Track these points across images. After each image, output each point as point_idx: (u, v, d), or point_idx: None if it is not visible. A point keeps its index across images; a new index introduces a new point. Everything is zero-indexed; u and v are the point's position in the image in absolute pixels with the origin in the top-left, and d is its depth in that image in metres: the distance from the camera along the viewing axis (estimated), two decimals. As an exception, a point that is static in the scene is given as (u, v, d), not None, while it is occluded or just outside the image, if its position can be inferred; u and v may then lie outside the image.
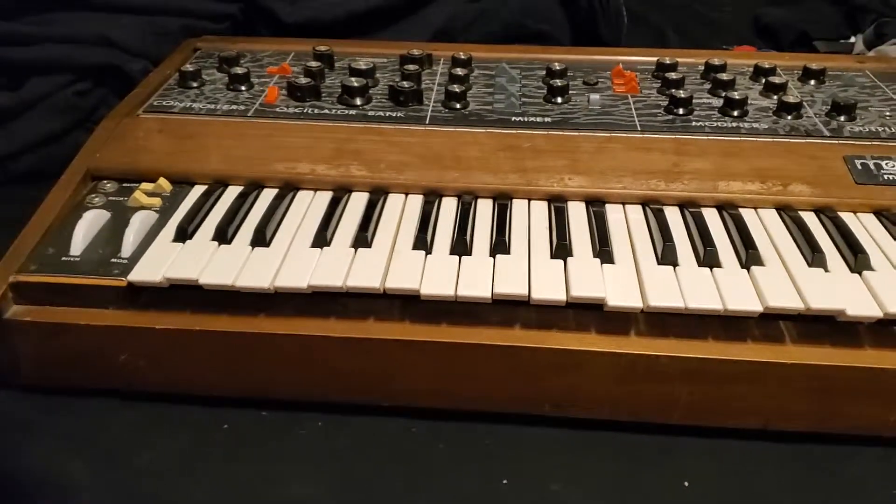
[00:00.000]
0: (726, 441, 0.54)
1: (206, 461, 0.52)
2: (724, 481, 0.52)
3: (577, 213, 0.61)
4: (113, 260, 0.55)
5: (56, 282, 0.54)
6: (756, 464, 0.53)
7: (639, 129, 0.69)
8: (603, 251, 0.56)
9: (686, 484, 0.51)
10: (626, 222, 0.60)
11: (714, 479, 0.52)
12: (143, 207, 0.61)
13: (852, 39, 1.17)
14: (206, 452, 0.53)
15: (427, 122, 0.70)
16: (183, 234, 0.57)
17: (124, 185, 0.63)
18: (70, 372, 0.55)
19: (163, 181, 0.63)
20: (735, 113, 0.71)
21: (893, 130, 0.68)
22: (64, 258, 0.55)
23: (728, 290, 0.52)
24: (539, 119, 0.70)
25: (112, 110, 0.71)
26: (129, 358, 0.54)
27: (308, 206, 0.61)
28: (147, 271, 0.54)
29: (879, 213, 0.61)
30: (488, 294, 0.52)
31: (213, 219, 0.59)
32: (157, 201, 0.62)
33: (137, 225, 0.57)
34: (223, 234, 0.57)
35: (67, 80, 0.81)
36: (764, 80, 0.76)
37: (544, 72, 0.79)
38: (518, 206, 0.62)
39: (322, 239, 0.57)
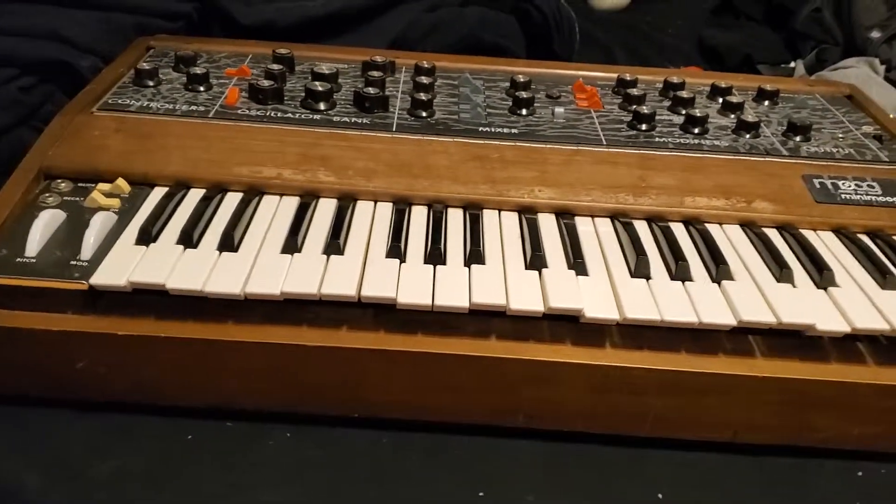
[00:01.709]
0: (696, 453, 0.54)
1: (168, 473, 0.50)
2: (695, 493, 0.52)
3: (548, 225, 0.61)
4: (72, 262, 0.52)
5: (11, 284, 0.51)
6: (725, 476, 0.53)
7: (604, 143, 0.69)
8: (577, 263, 0.56)
9: (660, 496, 0.51)
10: (596, 235, 0.60)
11: (685, 491, 0.52)
12: (101, 208, 0.58)
13: (793, 64, 1.22)
14: (168, 464, 0.51)
15: (394, 129, 0.69)
16: (146, 237, 0.55)
17: (80, 184, 0.60)
18: (25, 379, 0.52)
19: (121, 182, 0.61)
20: (696, 130, 0.72)
21: (846, 152, 0.71)
22: (19, 260, 0.52)
23: (701, 303, 0.53)
24: (506, 130, 0.70)
25: (63, 107, 0.68)
26: (89, 365, 0.51)
27: (275, 212, 0.59)
28: (110, 275, 0.51)
29: (838, 232, 0.63)
30: (466, 304, 0.51)
31: (176, 222, 0.57)
32: (115, 202, 0.59)
33: (97, 226, 0.55)
34: (189, 238, 0.55)
35: (12, 74, 0.77)
36: (721, 100, 0.78)
37: (507, 83, 0.79)
38: (489, 217, 0.62)
39: (293, 245, 0.55)
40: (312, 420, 0.54)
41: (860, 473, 0.54)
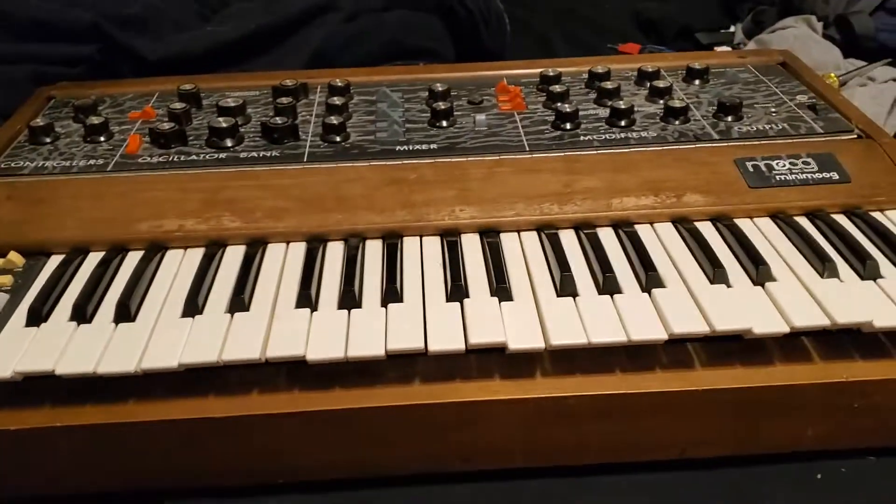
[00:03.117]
0: (643, 475, 0.51)
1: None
2: (647, 519, 0.49)
3: (471, 247, 0.57)
4: (-44, 355, 0.49)
5: None
6: (678, 495, 0.50)
7: (527, 148, 0.66)
8: (500, 288, 0.52)
9: (608, 530, 0.48)
10: (522, 251, 0.57)
11: (636, 518, 0.49)
12: (-10, 289, 0.54)
13: (731, 29, 1.19)
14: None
15: (305, 159, 0.65)
16: (36, 317, 0.51)
17: (-32, 263, 0.57)
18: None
19: (14, 255, 0.57)
20: (622, 123, 0.69)
21: (780, 128, 0.67)
22: None
23: (631, 318, 0.49)
24: (424, 146, 0.67)
25: (-49, 177, 0.64)
26: (-17, 466, 0.48)
27: (178, 269, 0.56)
28: (-5, 365, 0.48)
29: (775, 217, 0.60)
30: (382, 352, 0.48)
31: (71, 294, 0.53)
32: (7, 279, 0.55)
33: (-16, 310, 0.51)
34: (82, 313, 0.51)
35: None
36: (649, 85, 0.75)
37: (427, 93, 0.75)
38: (409, 245, 0.58)
39: (193, 306, 0.52)
40: (235, 492, 0.50)
41: (819, 476, 0.51)
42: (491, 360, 0.50)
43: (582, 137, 0.67)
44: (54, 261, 0.57)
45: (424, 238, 0.59)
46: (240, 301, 0.52)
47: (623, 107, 0.68)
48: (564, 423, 0.49)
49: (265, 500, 0.50)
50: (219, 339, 0.48)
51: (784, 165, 0.62)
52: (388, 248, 0.57)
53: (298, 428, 0.48)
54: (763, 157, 0.63)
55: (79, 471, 0.49)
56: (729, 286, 0.52)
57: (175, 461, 0.49)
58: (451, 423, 0.49)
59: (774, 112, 0.70)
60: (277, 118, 0.69)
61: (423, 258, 0.57)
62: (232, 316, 0.51)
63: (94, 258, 0.57)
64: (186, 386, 0.49)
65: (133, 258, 0.57)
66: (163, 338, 0.49)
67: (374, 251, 0.58)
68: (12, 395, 0.48)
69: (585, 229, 0.58)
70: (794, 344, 0.51)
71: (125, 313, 0.51)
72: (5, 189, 0.62)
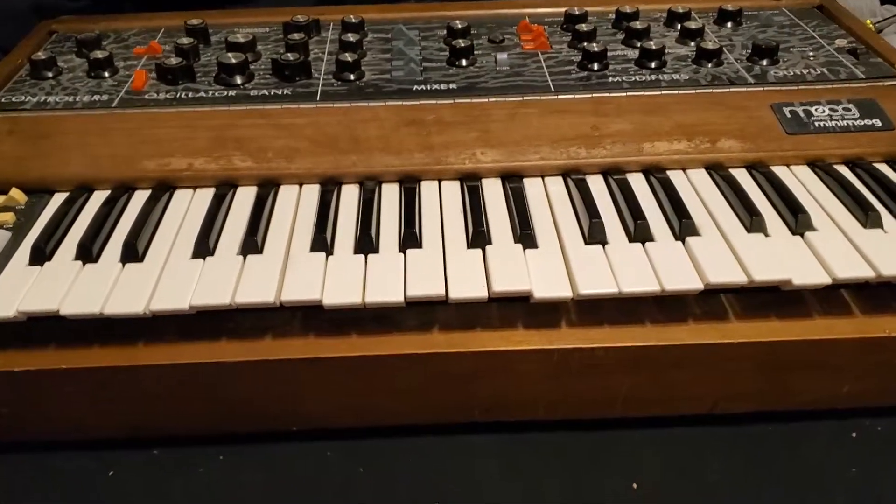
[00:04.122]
0: (672, 430, 0.49)
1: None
2: (674, 474, 0.47)
3: (493, 192, 0.55)
4: (-43, 294, 0.47)
5: None
6: (707, 451, 0.48)
7: (552, 89, 0.63)
8: (524, 235, 0.50)
9: (634, 486, 0.46)
10: (547, 197, 0.54)
11: (661, 472, 0.47)
12: (-9, 226, 0.52)
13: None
14: (90, 506, 0.46)
15: (318, 98, 0.62)
16: (40, 255, 0.49)
17: (-32, 200, 0.54)
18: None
19: (16, 192, 0.54)
20: (653, 65, 0.65)
21: (819, 72, 0.64)
22: None
23: (664, 267, 0.47)
24: (443, 86, 0.64)
25: (-49, 112, 0.62)
26: (-13, 408, 0.46)
27: (187, 209, 0.53)
28: (-2, 305, 0.46)
29: (814, 165, 0.57)
30: (401, 298, 0.45)
31: (75, 233, 0.51)
32: (9, 217, 0.53)
33: (-15, 248, 0.49)
34: (87, 252, 0.49)
35: None
36: (679, 27, 0.71)
37: (445, 31, 0.72)
38: (428, 189, 0.56)
39: (204, 248, 0.49)
40: (246, 439, 0.49)
41: (854, 434, 0.49)
42: (514, 309, 0.48)
43: (610, 79, 0.64)
44: (58, 198, 0.55)
45: (443, 182, 0.56)
46: (252, 243, 0.49)
47: (654, 48, 0.65)
48: (590, 376, 0.47)
49: (278, 447, 0.49)
50: (231, 281, 0.46)
51: (823, 111, 0.59)
52: (405, 193, 0.55)
53: (313, 375, 0.46)
54: (801, 102, 0.60)
55: (85, 416, 0.47)
56: (767, 235, 0.50)
57: (185, 407, 0.47)
58: (472, 373, 0.47)
59: (812, 56, 0.67)
60: (289, 54, 0.65)
61: (442, 204, 0.54)
62: (244, 258, 0.48)
63: (99, 196, 0.55)
64: (197, 330, 0.46)
65: (140, 197, 0.55)
66: (173, 279, 0.47)
67: (390, 195, 0.55)
68: (16, 336, 0.46)
69: (615, 175, 0.56)
70: (832, 296, 0.48)
71: (133, 253, 0.49)
72: (6, 124, 0.60)
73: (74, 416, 0.47)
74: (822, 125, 0.58)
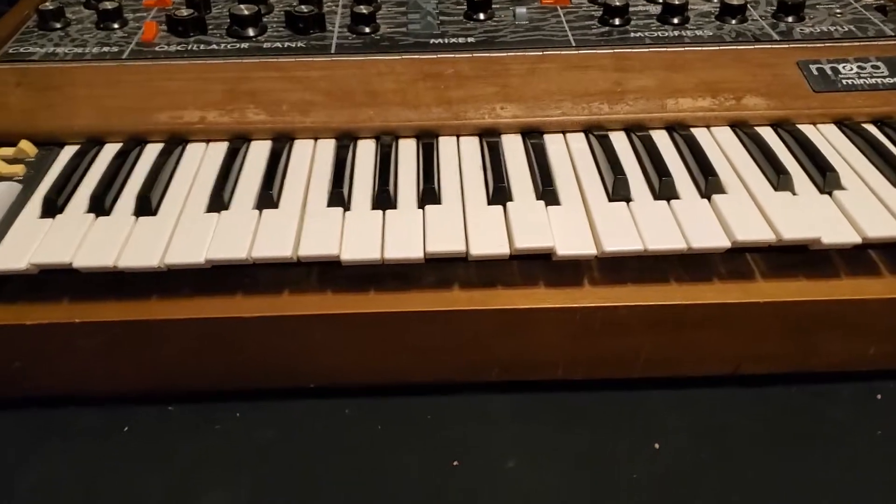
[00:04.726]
0: (695, 391, 0.49)
1: (103, 472, 0.45)
2: (697, 436, 0.47)
3: (513, 148, 0.54)
4: (-33, 245, 0.46)
5: None
6: (730, 413, 0.48)
7: (573, 44, 0.61)
8: (546, 191, 0.49)
9: (657, 446, 0.46)
10: (568, 154, 0.53)
11: (685, 434, 0.47)
12: (2, 178, 0.51)
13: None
14: (103, 462, 0.45)
15: (333, 51, 0.61)
16: (52, 208, 0.48)
17: (-24, 151, 0.53)
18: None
19: (25, 144, 0.53)
20: (675, 20, 0.64)
21: (846, 29, 0.62)
22: None
23: (690, 225, 0.46)
24: (461, 40, 0.62)
25: (-43, 62, 0.60)
26: (1, 361, 0.45)
27: (200, 163, 0.52)
28: (9, 257, 0.44)
29: (841, 123, 0.55)
30: (420, 254, 0.44)
31: (87, 186, 0.50)
32: (19, 169, 0.52)
33: (-3, 199, 0.48)
34: (100, 204, 0.48)
35: None
36: (702, -19, 0.69)
37: (462, -15, 0.70)
38: (446, 145, 0.54)
39: (219, 201, 0.48)
40: (263, 395, 0.48)
41: (879, 396, 0.48)
42: (535, 266, 0.47)
43: (632, 34, 0.62)
44: (68, 151, 0.54)
45: (462, 138, 0.55)
46: (268, 197, 0.48)
47: (677, 3, 0.63)
48: (612, 335, 0.46)
49: (296, 404, 0.48)
50: (248, 235, 0.45)
51: (851, 69, 0.58)
52: (423, 148, 0.54)
53: (330, 331, 0.45)
54: (828, 59, 0.59)
55: (98, 371, 0.47)
56: (794, 194, 0.49)
57: (201, 363, 0.47)
58: (492, 331, 0.46)
59: (839, 13, 0.65)
60: (303, 6, 0.64)
61: (460, 159, 0.53)
62: (260, 212, 0.47)
63: (110, 149, 0.54)
64: (212, 284, 0.46)
65: (152, 150, 0.53)
66: (187, 233, 0.46)
67: (408, 150, 0.54)
68: (28, 289, 0.46)
69: (637, 131, 0.54)
70: (860, 256, 0.48)
71: (146, 206, 0.48)
72: (15, 75, 0.58)
73: (87, 370, 0.47)
74: (849, 83, 0.57)
